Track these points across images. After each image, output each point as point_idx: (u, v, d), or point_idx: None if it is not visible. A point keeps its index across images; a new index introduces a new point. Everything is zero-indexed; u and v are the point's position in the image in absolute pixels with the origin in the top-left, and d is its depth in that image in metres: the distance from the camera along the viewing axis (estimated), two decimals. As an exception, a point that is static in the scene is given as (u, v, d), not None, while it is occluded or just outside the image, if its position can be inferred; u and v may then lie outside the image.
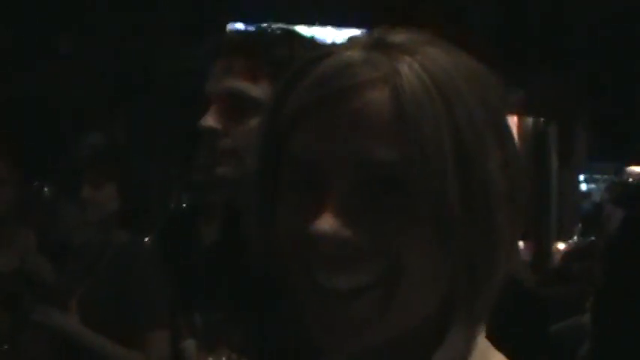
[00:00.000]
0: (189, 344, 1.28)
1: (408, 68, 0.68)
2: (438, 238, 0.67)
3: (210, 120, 1.33)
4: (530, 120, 8.29)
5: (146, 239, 2.91)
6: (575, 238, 7.32)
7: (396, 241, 0.67)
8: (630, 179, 8.41)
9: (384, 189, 0.67)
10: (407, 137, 0.66)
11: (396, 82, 0.67)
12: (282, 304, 0.77)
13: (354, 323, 0.68)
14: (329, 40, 1.54)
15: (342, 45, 0.74)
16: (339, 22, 7.01)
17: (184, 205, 6.08)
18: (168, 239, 1.65)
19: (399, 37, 0.72)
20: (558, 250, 6.97)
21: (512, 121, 8.11)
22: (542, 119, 8.25)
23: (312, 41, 1.43)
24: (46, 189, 4.47)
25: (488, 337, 0.76)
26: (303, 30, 1.48)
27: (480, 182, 0.68)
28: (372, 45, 0.71)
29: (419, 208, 0.67)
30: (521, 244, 5.77)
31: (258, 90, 1.32)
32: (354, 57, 0.70)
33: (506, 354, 0.75)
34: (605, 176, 8.91)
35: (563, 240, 7.27)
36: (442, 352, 0.71)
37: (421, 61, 0.69)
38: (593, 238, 6.47)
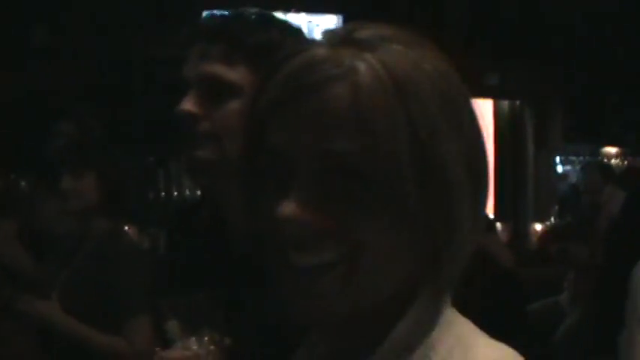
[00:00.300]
0: (172, 325, 1.29)
1: (366, 65, 0.74)
2: (396, 223, 0.73)
3: (188, 104, 1.34)
4: (505, 104, 8.33)
5: (126, 227, 2.91)
6: (552, 219, 7.38)
7: (355, 225, 0.73)
8: (605, 160, 8.50)
9: (343, 177, 0.73)
10: (363, 129, 0.72)
11: (354, 79, 0.73)
12: (262, 283, 0.81)
13: (320, 297, 0.75)
14: (304, 26, 1.55)
15: (314, 41, 0.79)
16: (314, 9, 7.01)
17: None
18: (176, 227, 1.66)
19: (365, 32, 0.77)
20: (535, 231, 7.01)
21: (488, 105, 8.14)
22: (517, 102, 8.29)
23: (288, 25, 1.44)
24: (23, 183, 4.44)
25: (467, 317, 0.81)
26: (278, 16, 1.48)
27: (436, 169, 0.74)
28: (338, 42, 0.77)
29: (376, 196, 0.73)
30: (498, 225, 5.82)
31: (236, 74, 1.33)
32: (319, 54, 0.76)
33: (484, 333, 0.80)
34: (581, 158, 8.96)
35: (540, 221, 7.31)
36: (404, 322, 0.77)
37: (380, 57, 0.74)
38: (569, 219, 6.54)
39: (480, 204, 0.79)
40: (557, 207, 7.79)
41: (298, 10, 6.75)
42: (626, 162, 8.91)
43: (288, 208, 0.73)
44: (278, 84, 0.76)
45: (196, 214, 1.50)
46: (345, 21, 7.01)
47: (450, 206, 0.75)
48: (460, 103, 0.77)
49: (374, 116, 0.72)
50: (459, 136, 0.75)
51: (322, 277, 0.74)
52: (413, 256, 0.76)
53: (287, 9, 6.48)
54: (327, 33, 0.80)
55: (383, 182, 0.72)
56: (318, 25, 6.85)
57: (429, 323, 0.78)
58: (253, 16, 1.40)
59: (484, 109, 8.08)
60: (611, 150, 8.98)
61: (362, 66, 0.74)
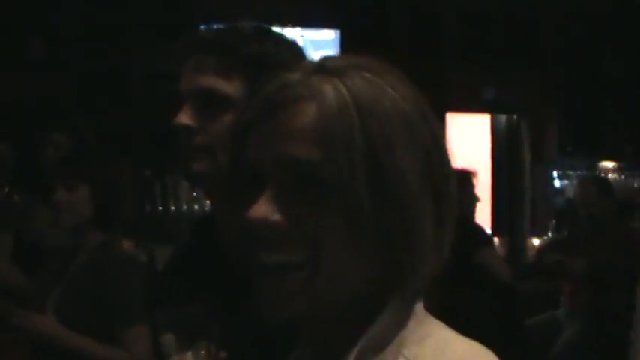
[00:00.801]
0: (169, 338, 1.29)
1: (332, 87, 0.83)
2: (354, 229, 0.81)
3: (184, 117, 1.34)
4: (502, 118, 8.34)
5: (123, 240, 2.90)
6: (549, 233, 7.37)
7: (316, 228, 0.81)
8: (602, 174, 8.50)
9: (306, 184, 0.81)
10: (324, 140, 0.81)
11: (320, 98, 0.82)
12: (251, 292, 0.86)
13: (285, 295, 0.82)
14: (299, 40, 1.55)
15: (293, 68, 0.88)
16: (312, 24, 7.01)
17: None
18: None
19: (335, 62, 0.88)
20: (532, 246, 7.01)
21: (485, 119, 8.15)
22: (514, 116, 8.30)
23: (283, 38, 1.44)
24: (16, 195, 4.42)
25: (466, 331, 0.85)
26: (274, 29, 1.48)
27: (391, 181, 0.81)
28: (312, 69, 0.87)
29: (334, 202, 0.80)
30: (495, 239, 5.81)
31: (231, 87, 1.33)
32: (292, 78, 0.86)
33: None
34: (578, 172, 8.96)
35: (537, 235, 7.31)
36: (375, 326, 0.83)
37: (346, 82, 0.84)
38: (566, 233, 6.53)
39: (445, 218, 0.86)
40: (554, 221, 7.78)
41: (295, 24, 6.76)
42: (623, 176, 8.91)
43: (256, 210, 0.82)
44: (255, 104, 0.87)
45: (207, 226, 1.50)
46: (342, 36, 7.02)
47: (407, 218, 0.82)
48: (421, 125, 0.85)
49: (334, 130, 0.81)
50: (419, 154, 0.84)
51: (287, 277, 0.81)
52: (373, 262, 0.83)
53: (284, 24, 6.51)
54: (303, 63, 0.90)
55: (339, 190, 0.80)
56: (317, 46, 6.86)
57: (399, 324, 0.84)
58: (248, 29, 1.41)
59: (481, 123, 8.10)
60: (608, 164, 8.98)
61: (328, 88, 0.83)
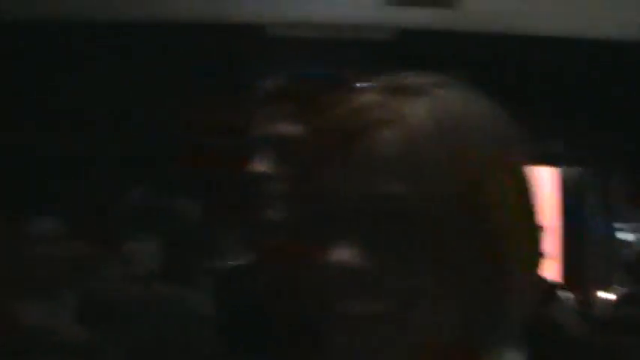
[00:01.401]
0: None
1: (414, 110, 0.74)
2: (445, 270, 0.72)
3: (259, 165, 1.34)
4: (568, 170, 8.27)
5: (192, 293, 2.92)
6: (619, 286, 7.23)
7: (405, 273, 0.71)
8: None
9: (392, 220, 0.72)
10: (412, 173, 0.72)
11: (404, 123, 0.74)
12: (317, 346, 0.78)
13: (368, 351, 0.72)
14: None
15: (362, 88, 0.80)
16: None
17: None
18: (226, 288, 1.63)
19: (413, 79, 0.79)
20: (603, 299, 6.89)
21: (551, 171, 8.07)
22: (580, 168, 8.22)
23: (353, 85, 1.44)
24: (86, 247, 4.46)
25: None
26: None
27: (485, 211, 0.73)
28: (387, 88, 0.78)
29: (424, 239, 0.71)
30: (565, 293, 5.69)
31: (304, 132, 1.33)
32: (367, 100, 0.77)
33: None
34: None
35: (607, 288, 7.17)
36: None
37: (429, 103, 0.75)
38: (634, 285, 6.38)
39: (532, 255, 0.78)
40: (623, 274, 7.63)
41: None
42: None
43: (338, 254, 0.72)
44: (329, 129, 0.78)
45: (247, 277, 1.48)
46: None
47: (497, 251, 0.73)
48: (510, 145, 0.77)
49: (422, 160, 0.72)
50: (509, 178, 0.75)
51: (374, 328, 0.72)
52: (467, 303, 0.73)
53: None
54: (377, 80, 0.81)
55: (429, 225, 0.71)
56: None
57: None
58: (320, 75, 1.42)
59: (547, 176, 8.03)
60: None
61: (410, 111, 0.74)
